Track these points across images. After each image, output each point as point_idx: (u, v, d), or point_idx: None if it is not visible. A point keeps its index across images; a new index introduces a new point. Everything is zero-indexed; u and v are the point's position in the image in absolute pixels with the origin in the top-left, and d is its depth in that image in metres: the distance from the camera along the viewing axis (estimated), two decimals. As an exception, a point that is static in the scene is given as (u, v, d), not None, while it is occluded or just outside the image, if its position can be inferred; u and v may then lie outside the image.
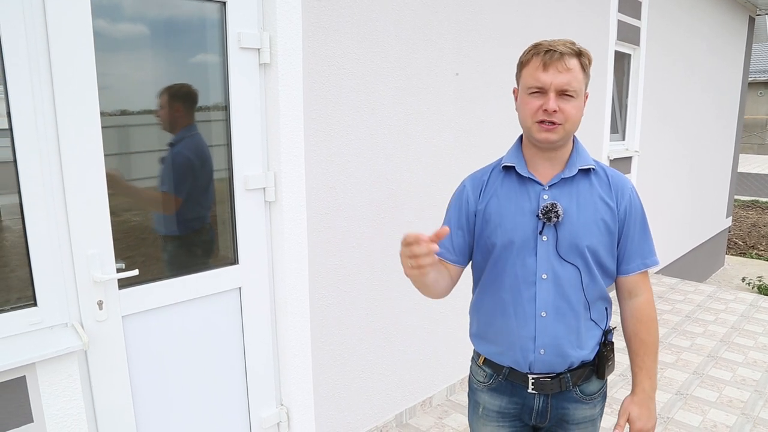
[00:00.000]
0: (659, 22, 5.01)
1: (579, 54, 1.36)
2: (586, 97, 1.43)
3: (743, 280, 7.51)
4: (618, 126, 4.93)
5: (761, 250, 9.58)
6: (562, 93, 1.34)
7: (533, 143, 1.43)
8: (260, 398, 2.33)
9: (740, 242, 10.13)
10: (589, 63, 1.40)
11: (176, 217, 2.03)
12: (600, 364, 1.48)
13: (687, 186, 6.31)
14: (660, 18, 5.01)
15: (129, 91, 1.84)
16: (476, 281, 1.57)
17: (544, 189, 1.42)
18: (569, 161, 1.44)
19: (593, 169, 1.44)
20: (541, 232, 1.39)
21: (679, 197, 6.14)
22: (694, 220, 6.59)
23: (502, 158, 1.52)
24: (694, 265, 6.85)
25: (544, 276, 1.40)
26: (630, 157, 4.91)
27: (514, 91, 1.48)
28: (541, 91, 1.35)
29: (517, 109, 1.45)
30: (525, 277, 1.42)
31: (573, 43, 1.37)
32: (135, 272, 1.81)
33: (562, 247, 1.39)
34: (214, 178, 2.11)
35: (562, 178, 1.42)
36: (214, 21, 2.01)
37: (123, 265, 1.84)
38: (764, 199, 14.55)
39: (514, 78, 1.49)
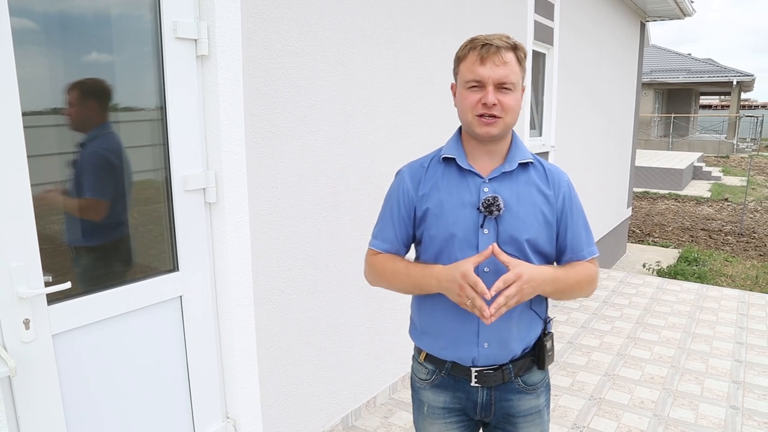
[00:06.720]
0: (569, 25, 5.28)
1: (515, 48, 1.37)
2: (523, 90, 1.43)
3: (644, 265, 8.12)
4: (535, 122, 5.14)
5: (656, 237, 10.40)
6: (500, 86, 1.34)
7: (473, 137, 1.42)
8: (206, 413, 2.18)
9: (637, 230, 10.95)
10: (525, 57, 1.41)
11: (105, 222, 1.85)
12: (540, 354, 1.48)
13: (597, 178, 6.71)
14: (569, 21, 5.28)
15: (50, 88, 1.64)
16: None
17: (484, 182, 1.41)
18: (509, 155, 1.44)
19: (532, 163, 1.45)
20: (482, 226, 1.38)
21: (591, 189, 6.51)
22: (603, 210, 7.02)
23: (441, 148, 1.50)
24: (603, 253, 7.29)
25: (486, 269, 1.38)
26: (547, 152, 5.13)
27: (452, 87, 1.47)
28: (479, 85, 1.35)
29: (456, 105, 1.44)
30: None
31: (508, 37, 1.37)
32: (67, 285, 1.62)
33: (502, 239, 1.38)
34: (142, 178, 1.93)
35: (503, 172, 1.41)
36: (147, 8, 1.84)
37: (51, 278, 1.65)
38: (654, 190, 15.86)
39: (452, 73, 1.47)
